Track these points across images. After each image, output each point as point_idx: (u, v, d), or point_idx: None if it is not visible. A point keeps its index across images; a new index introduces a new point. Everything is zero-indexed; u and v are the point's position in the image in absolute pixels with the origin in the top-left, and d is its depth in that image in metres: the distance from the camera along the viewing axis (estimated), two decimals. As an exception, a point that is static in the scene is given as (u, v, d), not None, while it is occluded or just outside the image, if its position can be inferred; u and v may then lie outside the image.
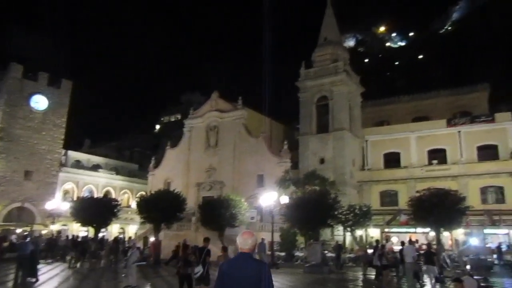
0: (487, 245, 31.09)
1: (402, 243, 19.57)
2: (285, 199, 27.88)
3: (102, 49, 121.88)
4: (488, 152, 36.95)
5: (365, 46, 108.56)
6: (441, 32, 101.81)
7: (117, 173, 53.53)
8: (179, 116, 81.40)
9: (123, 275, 17.11)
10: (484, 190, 35.73)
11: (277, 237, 29.81)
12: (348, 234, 33.31)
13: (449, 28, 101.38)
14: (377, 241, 22.79)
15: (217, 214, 29.47)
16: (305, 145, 40.68)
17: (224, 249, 12.13)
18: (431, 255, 16.46)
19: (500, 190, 35.30)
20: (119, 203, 35.31)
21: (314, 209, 26.28)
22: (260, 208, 32.46)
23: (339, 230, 33.45)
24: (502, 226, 31.94)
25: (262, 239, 27.00)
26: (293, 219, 27.86)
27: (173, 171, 45.08)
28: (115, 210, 32.49)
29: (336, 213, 28.69)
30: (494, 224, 31.62)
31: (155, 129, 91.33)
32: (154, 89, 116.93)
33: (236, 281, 4.39)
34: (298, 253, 29.67)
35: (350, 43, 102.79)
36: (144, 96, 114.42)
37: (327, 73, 41.47)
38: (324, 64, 42.34)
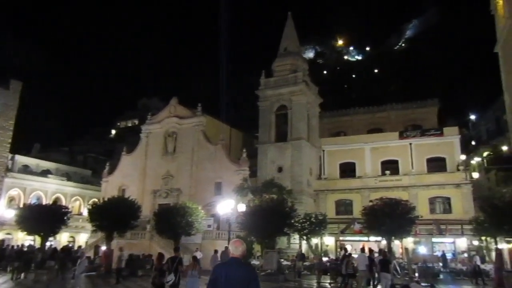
0: (434, 253, 32.48)
1: (370, 251, 19.71)
2: (242, 207, 27.80)
3: (56, 50, 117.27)
4: (437, 164, 38.71)
5: (324, 58, 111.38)
6: (395, 48, 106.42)
7: (69, 179, 51.29)
8: (136, 121, 79.60)
9: (70, 286, 16.30)
10: (432, 201, 37.36)
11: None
12: (304, 242, 33.63)
13: (403, 44, 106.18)
14: (345, 249, 22.96)
15: (173, 222, 28.84)
16: (264, 154, 40.92)
17: (160, 256, 11.89)
18: (386, 263, 16.84)
19: (447, 201, 37.02)
20: (69, 210, 33.80)
21: (271, 217, 26.33)
22: (217, 216, 32.17)
23: (295, 238, 33.72)
24: (448, 235, 33.47)
25: (226, 247, 26.70)
26: (250, 227, 27.77)
27: (129, 178, 43.81)
28: (65, 218, 31.05)
29: (292, 221, 28.90)
30: (441, 233, 33.06)
31: (110, 134, 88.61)
32: (110, 93, 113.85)
33: (229, 282, 5.03)
34: (254, 262, 29.58)
35: (310, 54, 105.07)
36: (99, 100, 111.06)
37: (286, 83, 42.07)
38: (283, 74, 42.93)
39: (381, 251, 20.52)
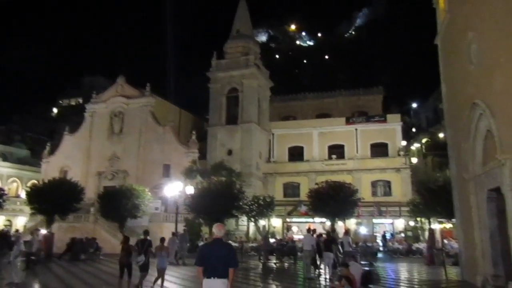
0: (374, 234, 34.30)
1: (328, 234, 20.13)
2: (191, 190, 27.60)
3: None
4: (379, 150, 40.58)
5: (276, 42, 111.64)
6: (346, 35, 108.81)
7: (4, 160, 48.24)
8: (80, 100, 75.91)
9: (4, 271, 15.48)
10: (374, 184, 39.22)
11: (181, 228, 29.48)
12: (251, 224, 34.15)
13: (353, 33, 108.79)
14: (313, 230, 23.00)
15: (118, 204, 28.14)
16: (214, 136, 40.74)
17: (126, 239, 12.62)
18: (330, 243, 17.40)
19: (388, 184, 39.04)
20: (5, 192, 31.84)
21: (220, 199, 26.43)
22: (165, 199, 31.74)
23: (243, 220, 34.15)
24: (388, 217, 35.44)
25: (184, 229, 26.49)
26: (198, 209, 27.73)
27: (71, 159, 41.94)
28: (0, 201, 29.26)
29: (241, 203, 29.17)
30: (381, 214, 34.93)
31: (52, 112, 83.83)
32: (52, 68, 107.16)
33: (214, 257, 6.20)
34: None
35: (262, 38, 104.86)
36: (40, 75, 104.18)
37: (238, 65, 41.87)
38: (235, 56, 42.64)
39: (329, 233, 21.20)
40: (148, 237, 12.69)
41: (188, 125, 45.81)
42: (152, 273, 12.99)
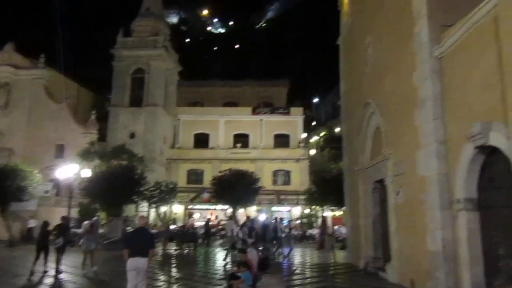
0: (272, 221, 35.76)
1: (276, 219, 20.61)
2: (87, 173, 25.93)
3: None
4: (282, 140, 42.34)
5: (187, 25, 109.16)
6: (257, 27, 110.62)
7: None
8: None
9: None
10: (275, 173, 40.87)
11: (75, 213, 27.64)
12: (152, 211, 33.35)
13: (264, 24, 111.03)
14: (248, 217, 23.03)
15: (0, 186, 25.30)
16: (116, 117, 38.59)
17: (45, 224, 13.58)
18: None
19: (287, 174, 40.98)
20: None
21: (119, 184, 25.27)
22: (57, 182, 29.42)
23: (143, 206, 33.17)
24: (286, 204, 37.31)
25: (63, 217, 24.53)
26: (95, 194, 26.20)
27: None
28: None
29: (142, 189, 28.29)
30: (280, 202, 36.64)
31: None
32: None
33: (137, 241, 7.97)
34: (99, 230, 28.15)
35: (173, 19, 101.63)
36: None
37: (146, 45, 40.07)
38: (143, 35, 40.73)
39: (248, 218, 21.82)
40: (66, 222, 14.12)
41: (88, 104, 42.76)
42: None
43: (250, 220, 20.97)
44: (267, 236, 20.12)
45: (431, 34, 9.84)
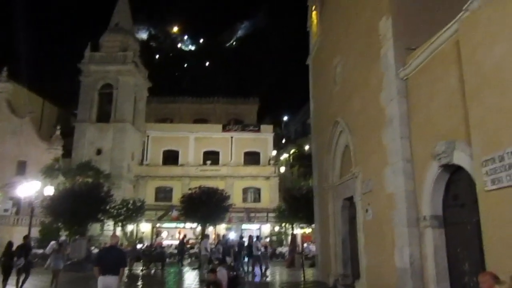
0: (242, 239, 35.42)
1: (250, 237, 20.42)
2: (50, 190, 24.94)
3: None
4: (252, 158, 42.44)
5: (157, 41, 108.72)
6: (227, 45, 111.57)
7: None
8: None
9: None
10: (245, 190, 40.78)
11: (36, 233, 26.45)
12: (118, 229, 32.35)
13: (234, 43, 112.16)
14: (218, 235, 23.15)
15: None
16: (82, 133, 37.55)
17: (9, 244, 13.25)
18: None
19: (257, 191, 40.97)
20: None
21: (84, 202, 24.43)
22: (18, 200, 28.16)
23: (109, 225, 32.15)
24: (256, 222, 37.12)
25: (25, 237, 23.51)
26: (58, 212, 25.18)
27: None
28: None
29: (108, 207, 27.47)
30: (250, 220, 36.44)
31: None
32: None
33: (108, 259, 8.00)
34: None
35: (143, 35, 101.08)
36: None
37: (114, 60, 39.52)
38: (112, 50, 40.21)
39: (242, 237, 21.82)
40: (28, 242, 13.83)
41: (53, 119, 41.50)
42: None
43: (225, 239, 20.98)
44: (242, 254, 20.07)
45: (397, 56, 10.21)
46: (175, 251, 31.42)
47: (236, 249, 20.07)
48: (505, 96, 6.15)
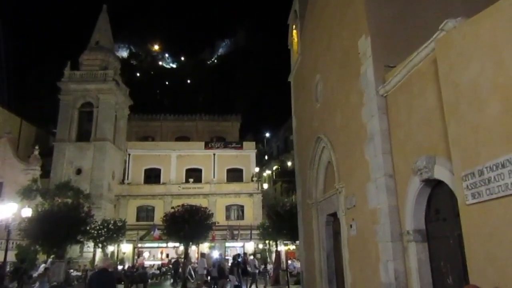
0: (226, 257, 35.04)
1: (240, 255, 20.83)
2: (27, 212, 24.21)
3: None
4: (235, 175, 42.29)
5: (138, 60, 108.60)
6: (208, 62, 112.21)
7: None
8: None
9: None
10: (228, 208, 40.48)
11: (12, 257, 25.51)
12: (99, 251, 31.55)
13: (215, 61, 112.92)
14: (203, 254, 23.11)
15: None
16: (61, 153, 36.84)
17: (22, 261, 13.79)
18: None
19: (241, 208, 40.72)
20: None
21: (63, 223, 23.81)
22: (-8, 222, 27.14)
23: (89, 246, 31.36)
24: (240, 240, 36.75)
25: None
26: (36, 235, 24.40)
27: None
28: None
29: (88, 228, 26.82)
30: (233, 238, 36.04)
31: None
32: None
33: (99, 282, 8.47)
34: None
35: (124, 53, 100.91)
36: None
37: (95, 79, 39.21)
38: (92, 68, 39.91)
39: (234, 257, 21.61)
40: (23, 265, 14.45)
41: (31, 139, 40.65)
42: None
43: (216, 258, 21.03)
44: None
45: (376, 74, 10.44)
46: (157, 272, 30.88)
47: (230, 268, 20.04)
48: (482, 112, 6.34)
